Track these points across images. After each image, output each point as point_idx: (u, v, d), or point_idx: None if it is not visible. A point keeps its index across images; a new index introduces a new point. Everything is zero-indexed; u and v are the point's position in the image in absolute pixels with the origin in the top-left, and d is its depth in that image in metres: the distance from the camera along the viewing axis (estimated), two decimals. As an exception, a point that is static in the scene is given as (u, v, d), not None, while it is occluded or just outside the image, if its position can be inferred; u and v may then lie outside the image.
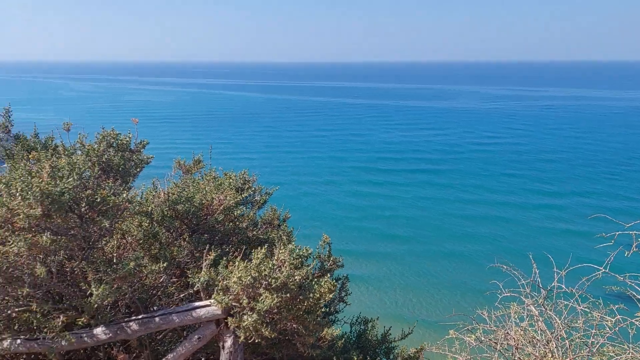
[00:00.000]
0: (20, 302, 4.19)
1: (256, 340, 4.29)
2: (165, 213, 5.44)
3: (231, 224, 5.84)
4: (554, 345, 5.10)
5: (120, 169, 5.68)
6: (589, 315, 5.12)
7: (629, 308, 5.05)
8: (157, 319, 4.56)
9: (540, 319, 5.41)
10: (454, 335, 5.83)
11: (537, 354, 5.18)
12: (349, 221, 45.49)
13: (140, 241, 5.21)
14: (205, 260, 4.87)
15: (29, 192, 3.90)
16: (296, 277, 4.24)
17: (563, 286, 5.39)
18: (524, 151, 76.39)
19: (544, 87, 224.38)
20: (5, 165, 5.76)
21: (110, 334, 4.48)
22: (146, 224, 5.30)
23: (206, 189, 5.91)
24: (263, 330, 4.19)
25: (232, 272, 4.40)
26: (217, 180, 6.36)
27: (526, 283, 5.71)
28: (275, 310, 4.24)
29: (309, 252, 4.54)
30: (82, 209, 4.29)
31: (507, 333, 5.52)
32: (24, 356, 4.95)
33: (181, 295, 5.23)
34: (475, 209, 48.90)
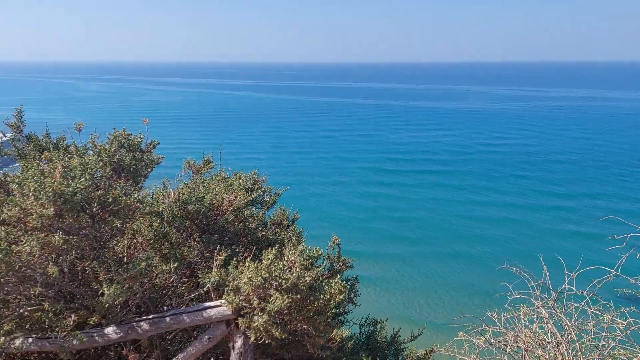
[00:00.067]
0: (32, 301, 4.23)
1: (266, 341, 4.30)
2: (176, 213, 5.47)
3: (241, 224, 5.85)
4: (564, 348, 5.07)
5: (131, 169, 5.71)
6: (600, 318, 5.08)
7: (640, 311, 5.02)
8: (167, 318, 4.58)
9: (551, 322, 5.38)
10: (463, 337, 5.81)
11: (547, 357, 5.15)
12: (357, 222, 45.45)
13: (151, 241, 5.23)
14: (216, 260, 4.89)
15: (42, 192, 3.93)
16: (307, 278, 4.24)
17: (574, 288, 5.35)
18: (534, 152, 75.88)
19: (553, 88, 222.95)
20: (17, 164, 5.81)
21: (121, 334, 4.50)
22: (157, 224, 5.33)
23: (216, 189, 5.93)
24: (273, 331, 4.20)
25: (242, 273, 4.41)
26: (227, 180, 6.38)
27: (536, 285, 5.68)
28: (286, 311, 4.24)
29: (319, 253, 4.54)
30: (94, 209, 4.32)
31: (517, 335, 5.49)
32: (36, 355, 5.00)
33: (191, 296, 5.24)
34: (485, 210, 48.66)
